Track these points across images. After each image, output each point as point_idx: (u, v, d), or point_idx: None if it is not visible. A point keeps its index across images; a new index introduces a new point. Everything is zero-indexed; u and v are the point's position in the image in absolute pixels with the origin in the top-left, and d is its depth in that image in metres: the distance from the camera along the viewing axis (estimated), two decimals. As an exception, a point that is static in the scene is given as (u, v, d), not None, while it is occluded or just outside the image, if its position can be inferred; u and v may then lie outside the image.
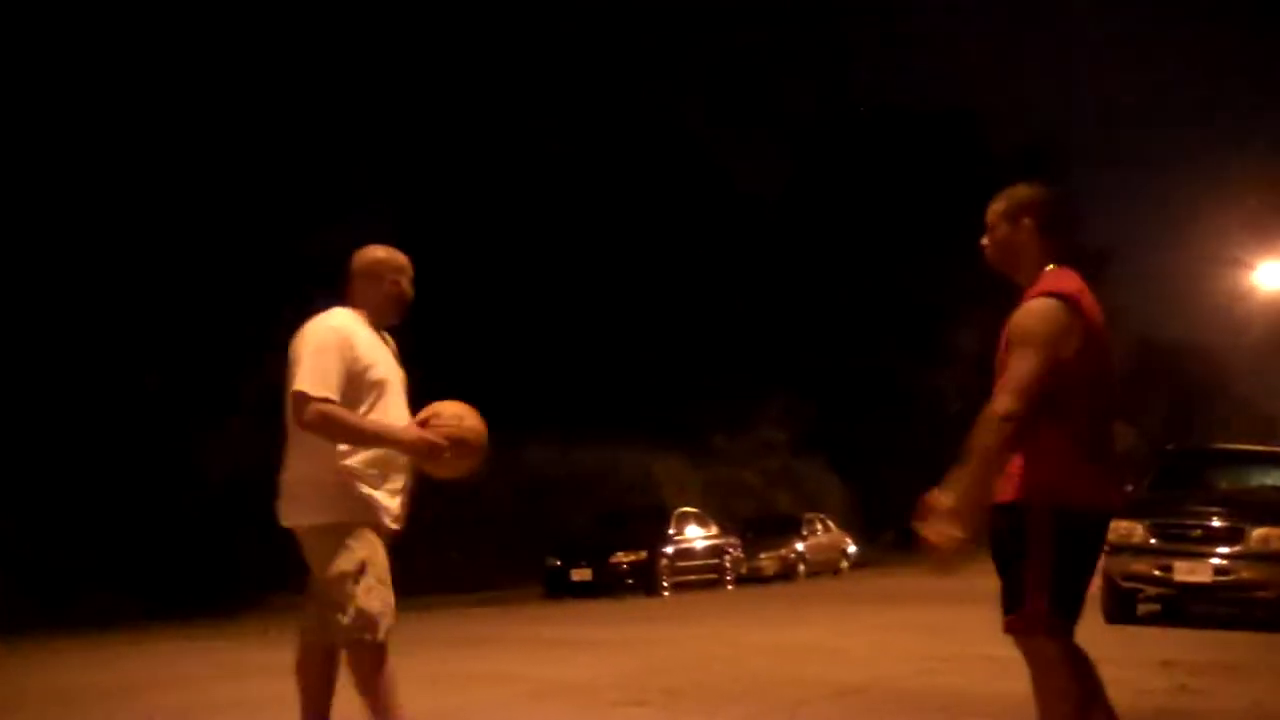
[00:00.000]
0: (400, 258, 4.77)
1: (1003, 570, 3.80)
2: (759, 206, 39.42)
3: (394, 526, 4.57)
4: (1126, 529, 11.68)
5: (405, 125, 28.07)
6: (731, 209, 37.01)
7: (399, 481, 4.54)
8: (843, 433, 35.71)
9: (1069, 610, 3.79)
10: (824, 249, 38.72)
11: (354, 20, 25.85)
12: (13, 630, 14.61)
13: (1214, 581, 11.38)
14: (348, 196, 25.46)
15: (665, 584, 20.51)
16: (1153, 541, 11.55)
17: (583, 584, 20.06)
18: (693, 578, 21.59)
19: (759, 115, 38.74)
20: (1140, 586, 11.79)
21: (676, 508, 23.06)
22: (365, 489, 4.39)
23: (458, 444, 4.43)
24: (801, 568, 26.14)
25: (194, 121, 22.13)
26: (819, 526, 28.20)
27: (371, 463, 4.40)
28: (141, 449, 19.99)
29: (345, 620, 4.36)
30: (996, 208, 3.96)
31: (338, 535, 4.36)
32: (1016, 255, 3.90)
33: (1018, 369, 3.64)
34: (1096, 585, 11.75)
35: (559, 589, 20.21)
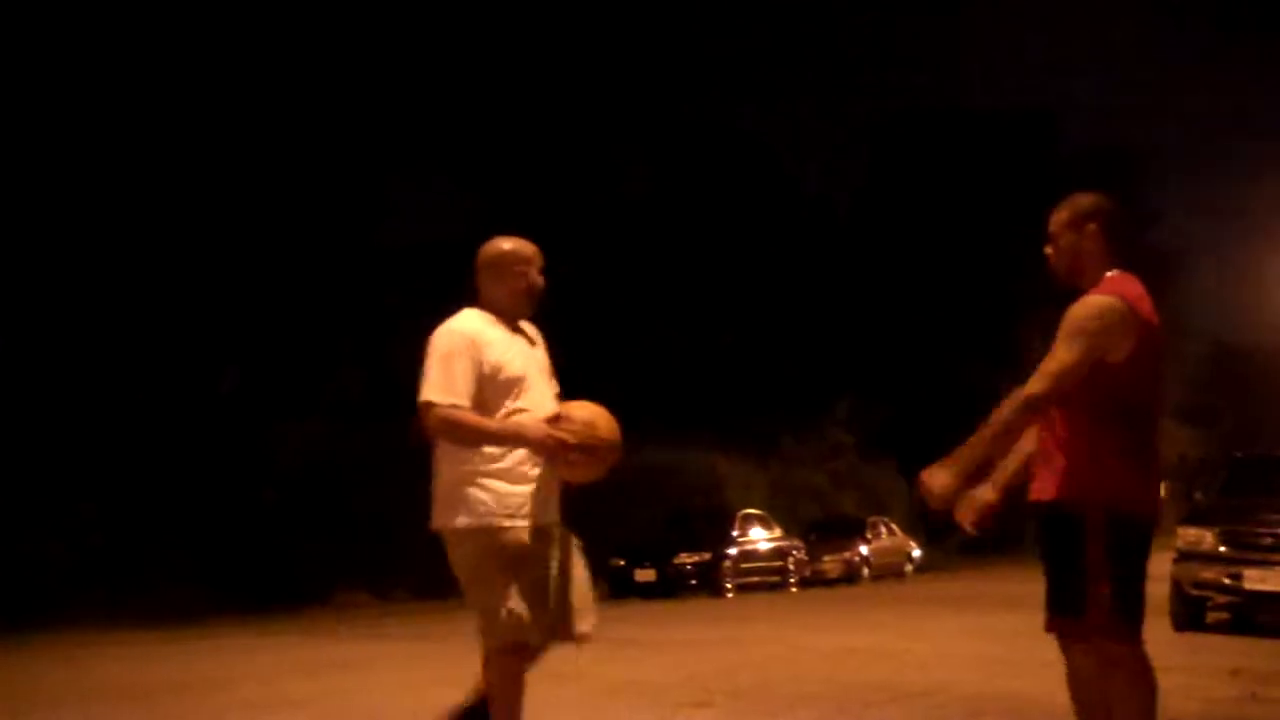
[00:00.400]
0: (527, 248, 4.64)
1: (1055, 571, 3.83)
2: (829, 208, 39.32)
3: (538, 524, 4.40)
4: (1196, 536, 11.56)
5: (484, 127, 28.28)
6: (802, 211, 36.95)
7: (543, 481, 4.40)
8: (912, 436, 35.47)
9: (1135, 613, 3.81)
10: (894, 251, 38.51)
11: (431, 20, 26.09)
12: (87, 623, 14.90)
13: (1285, 590, 11.23)
14: (426, 197, 25.72)
15: (729, 585, 20.53)
16: (1222, 549, 11.41)
17: (647, 584, 20.12)
18: (756, 579, 21.59)
19: (830, 118, 38.76)
20: (1209, 594, 11.64)
21: (741, 509, 23.07)
22: (506, 490, 4.29)
23: (586, 450, 4.31)
24: (866, 571, 26.04)
25: (273, 117, 22.42)
26: (883, 530, 28.06)
27: (513, 465, 4.31)
28: (217, 444, 20.29)
29: (481, 624, 4.31)
30: (1060, 216, 4.03)
31: (475, 539, 4.28)
32: (1081, 262, 3.96)
33: (1058, 356, 3.71)
34: (1161, 592, 11.69)
35: (623, 589, 20.28)
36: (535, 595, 4.33)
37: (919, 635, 11.66)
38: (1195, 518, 12.06)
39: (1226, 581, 11.36)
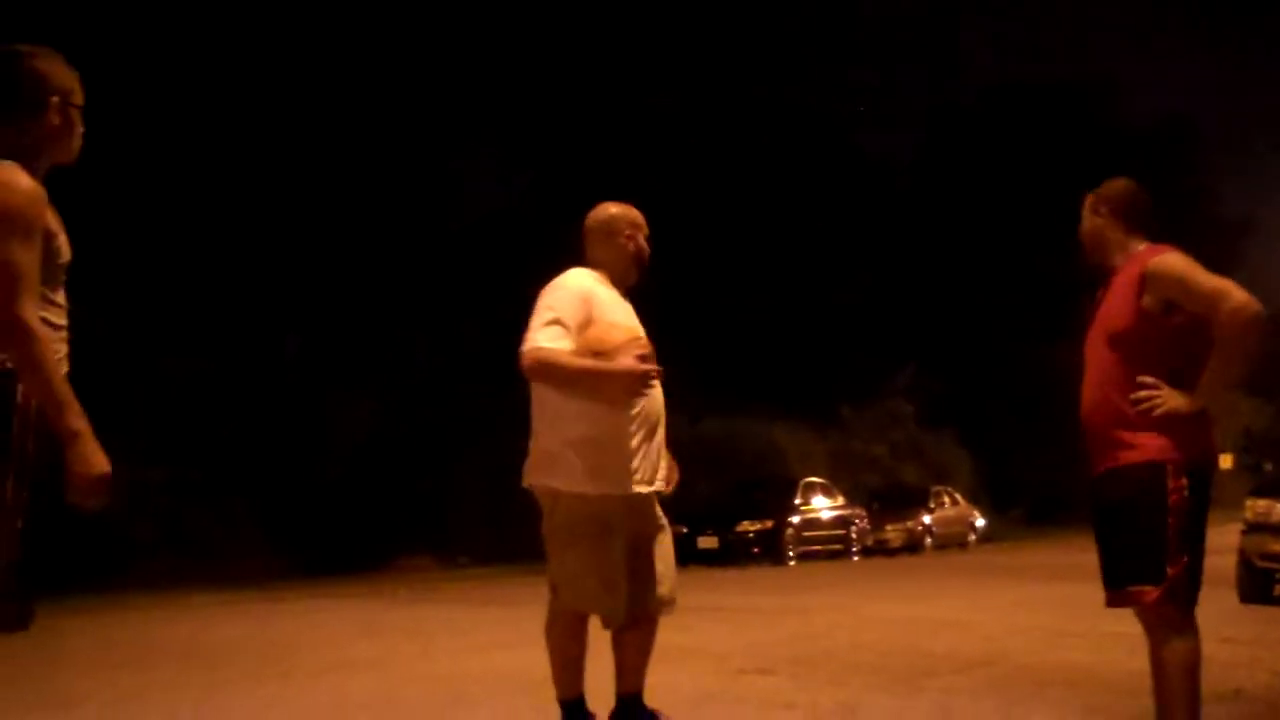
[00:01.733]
0: (634, 213, 4.63)
1: (1131, 539, 3.79)
2: (889, 179, 39.04)
3: (644, 490, 4.45)
4: (1265, 507, 11.39)
5: (549, 106, 28.35)
6: (863, 182, 36.72)
7: (645, 444, 4.41)
8: (973, 406, 35.27)
9: (1199, 580, 3.84)
10: (955, 222, 38.21)
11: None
12: (154, 585, 15.15)
13: (1355, 562, 11.05)
14: (494, 174, 25.84)
15: (791, 554, 20.54)
16: None
17: (708, 552, 20.17)
18: (818, 548, 21.58)
19: (893, 89, 38.48)
20: (1277, 566, 11.49)
21: (803, 478, 23.05)
22: (603, 458, 4.28)
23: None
24: (928, 540, 25.94)
25: (346, 95, 22.61)
26: (946, 499, 27.93)
27: (613, 432, 4.30)
28: (282, 411, 20.54)
29: (556, 585, 4.43)
30: (1085, 201, 4.25)
31: (568, 505, 4.33)
32: (1101, 242, 4.15)
33: (1215, 279, 3.80)
34: (1227, 564, 11.56)
35: (685, 557, 20.27)
36: (621, 567, 4.36)
37: (982, 605, 11.60)
38: (1265, 489, 11.89)
39: (1295, 554, 11.18)
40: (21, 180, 3.00)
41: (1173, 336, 3.81)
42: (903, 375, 34.20)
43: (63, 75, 3.26)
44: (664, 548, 4.64)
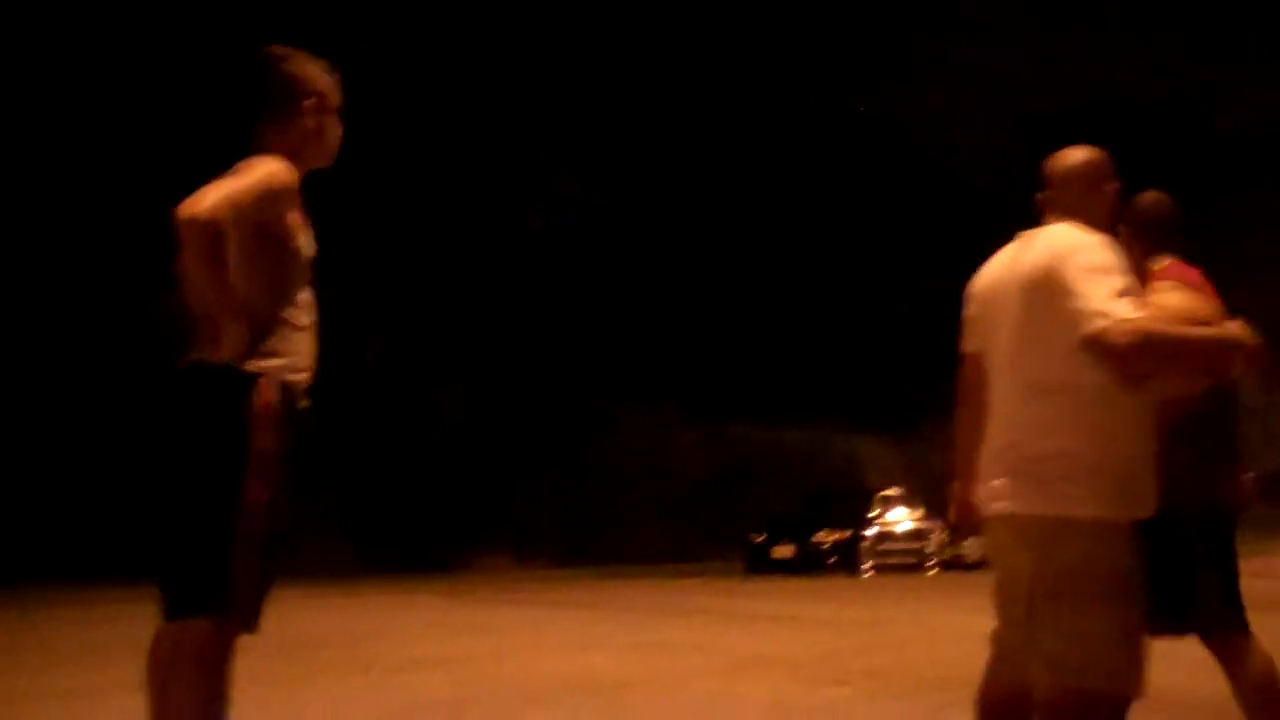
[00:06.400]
0: (1107, 158, 3.62)
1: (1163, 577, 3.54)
2: (970, 191, 38.80)
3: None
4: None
5: (620, 116, 28.45)
6: (944, 193, 36.51)
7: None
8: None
9: (1240, 601, 3.85)
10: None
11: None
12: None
13: None
14: (563, 178, 25.98)
15: (866, 565, 20.43)
16: None
17: (784, 561, 20.13)
18: (894, 560, 21.44)
19: (976, 99, 38.09)
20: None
21: (880, 489, 22.92)
22: (1140, 477, 3.17)
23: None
24: (1007, 556, 25.64)
25: (423, 103, 22.83)
26: (1025, 515, 27.61)
27: (1150, 450, 3.20)
28: (366, 410, 20.79)
29: (1075, 655, 3.03)
30: None
31: (1112, 542, 3.08)
32: (1130, 258, 3.99)
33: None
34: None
35: (760, 565, 20.31)
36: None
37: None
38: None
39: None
40: (283, 168, 3.12)
41: None
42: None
43: (318, 78, 3.33)
44: None
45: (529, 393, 22.51)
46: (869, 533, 20.95)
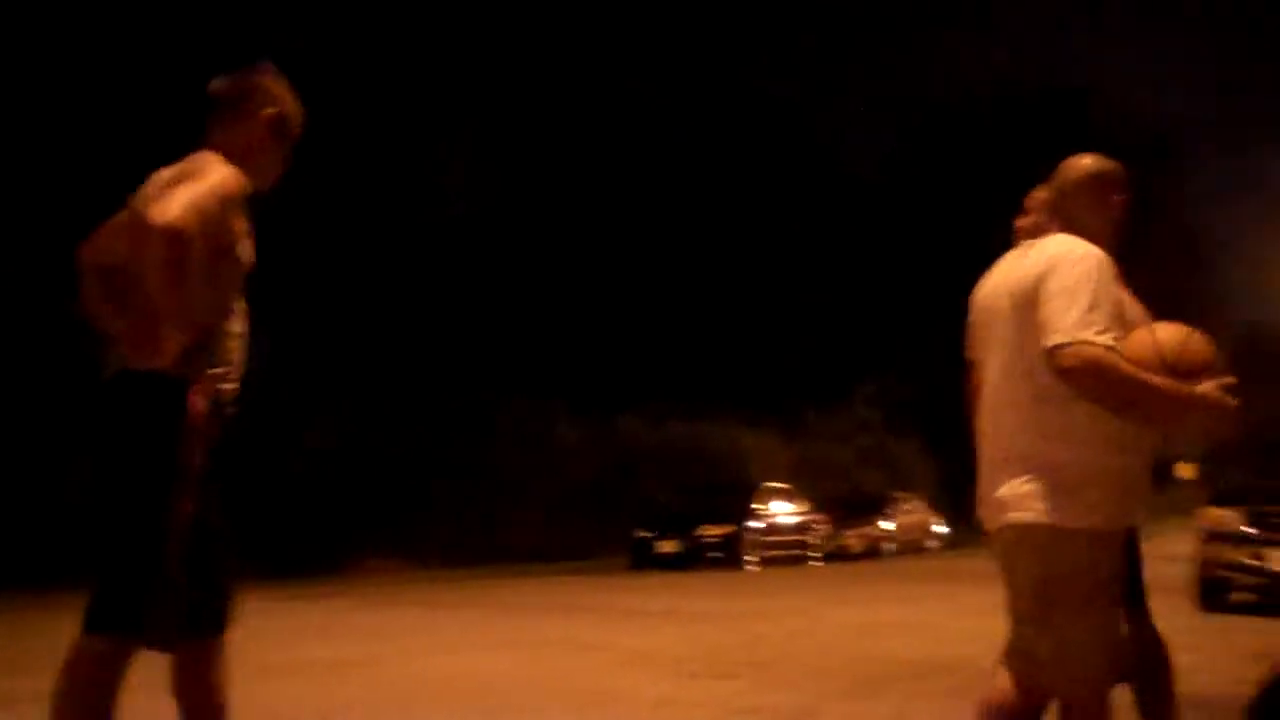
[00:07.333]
0: (1120, 168, 3.53)
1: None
2: (859, 185, 39.23)
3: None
4: (1222, 517, 11.49)
5: (509, 110, 28.33)
6: (832, 187, 36.88)
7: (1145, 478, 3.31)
8: (940, 414, 35.42)
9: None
10: (924, 228, 38.38)
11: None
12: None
13: (1309, 571, 11.14)
14: (446, 172, 25.76)
15: (751, 559, 20.55)
16: (1249, 530, 11.34)
17: (669, 556, 20.16)
18: (779, 553, 21.60)
19: (864, 94, 38.65)
20: (1233, 575, 11.57)
21: (764, 483, 23.08)
22: (1123, 490, 3.17)
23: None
24: (888, 546, 26.01)
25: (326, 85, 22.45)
26: (907, 506, 28.03)
27: (1137, 459, 3.21)
28: (252, 414, 20.39)
29: (1062, 658, 3.12)
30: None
31: (1095, 548, 3.11)
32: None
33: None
34: (1186, 572, 11.65)
35: (645, 560, 20.32)
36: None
37: (942, 610, 11.65)
38: (1223, 498, 12.00)
39: (1251, 562, 11.28)
40: (234, 174, 3.08)
41: None
42: (869, 382, 34.30)
43: (285, 100, 3.32)
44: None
45: (414, 391, 22.27)
46: (753, 526, 21.07)
